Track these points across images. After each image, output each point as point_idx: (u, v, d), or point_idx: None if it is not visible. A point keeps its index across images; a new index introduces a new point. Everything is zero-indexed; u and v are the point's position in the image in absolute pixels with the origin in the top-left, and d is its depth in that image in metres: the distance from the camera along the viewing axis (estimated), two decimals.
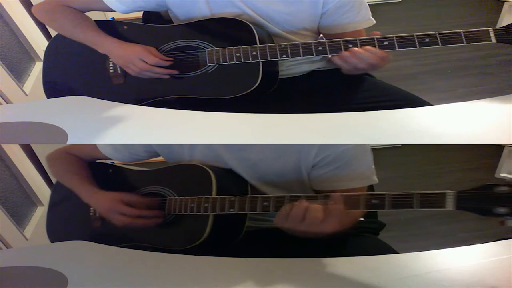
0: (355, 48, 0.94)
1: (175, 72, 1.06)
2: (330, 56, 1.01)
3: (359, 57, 0.94)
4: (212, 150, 0.98)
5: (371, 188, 1.04)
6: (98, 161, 1.15)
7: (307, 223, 0.79)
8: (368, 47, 0.94)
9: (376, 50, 0.93)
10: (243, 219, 0.96)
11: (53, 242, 1.16)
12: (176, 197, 0.97)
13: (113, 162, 1.15)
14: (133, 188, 1.05)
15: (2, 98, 1.69)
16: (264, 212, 0.87)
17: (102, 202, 1.02)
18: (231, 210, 0.89)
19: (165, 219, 0.98)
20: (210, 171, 0.93)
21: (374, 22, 1.08)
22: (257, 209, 0.87)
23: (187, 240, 0.93)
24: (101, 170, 1.13)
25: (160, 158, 1.10)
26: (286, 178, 0.97)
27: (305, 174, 0.96)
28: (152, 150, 1.07)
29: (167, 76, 1.07)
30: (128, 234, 1.02)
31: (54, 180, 1.23)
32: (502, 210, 0.67)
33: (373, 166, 0.98)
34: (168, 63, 1.06)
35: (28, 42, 1.92)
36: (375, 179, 0.97)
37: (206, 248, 0.93)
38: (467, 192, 0.70)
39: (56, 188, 1.20)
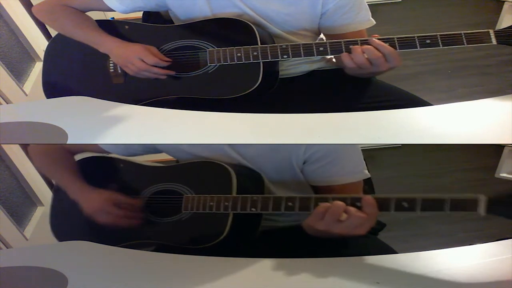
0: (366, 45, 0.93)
1: (172, 72, 1.06)
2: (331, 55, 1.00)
3: (366, 51, 0.93)
4: (212, 146, 0.98)
5: (368, 183, 1.05)
6: (110, 155, 1.12)
7: (345, 225, 0.78)
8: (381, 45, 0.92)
9: (383, 47, 0.92)
10: (258, 218, 0.95)
11: (58, 237, 1.14)
12: (194, 195, 0.96)
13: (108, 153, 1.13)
14: (147, 184, 1.03)
15: (2, 98, 1.69)
16: (287, 212, 0.86)
17: (92, 201, 1.02)
18: (253, 209, 0.88)
19: (181, 217, 0.97)
20: (230, 169, 0.92)
21: (374, 22, 1.08)
22: (281, 209, 0.86)
23: (204, 239, 0.93)
24: (111, 164, 1.11)
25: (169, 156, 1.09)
26: (283, 174, 0.98)
27: (298, 170, 0.97)
28: (147, 145, 1.06)
29: (165, 77, 1.07)
30: (141, 232, 1.01)
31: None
32: None
33: (363, 160, 0.99)
34: (166, 63, 1.05)
35: (28, 42, 1.92)
36: (367, 173, 0.98)
37: (221, 248, 0.92)
38: (499, 198, 0.70)
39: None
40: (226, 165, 0.93)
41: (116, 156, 1.12)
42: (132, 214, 1.00)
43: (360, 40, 0.95)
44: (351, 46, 0.95)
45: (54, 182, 1.21)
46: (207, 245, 0.92)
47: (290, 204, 0.85)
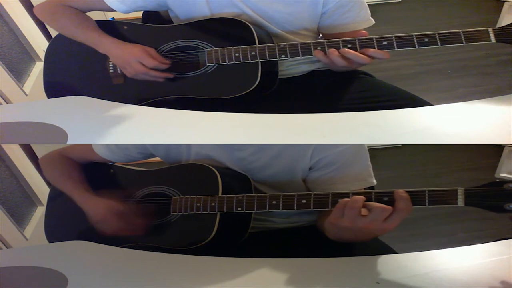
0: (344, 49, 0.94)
1: (170, 75, 1.06)
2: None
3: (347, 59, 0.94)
4: (208, 150, 0.98)
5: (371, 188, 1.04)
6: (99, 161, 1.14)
7: (370, 218, 0.75)
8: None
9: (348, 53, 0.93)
10: (248, 218, 0.96)
11: (51, 241, 1.16)
12: (181, 196, 0.97)
13: (114, 163, 1.15)
14: (136, 188, 1.04)
15: (2, 98, 1.69)
16: (272, 210, 0.86)
17: (94, 211, 1.03)
18: (239, 209, 0.89)
19: (170, 219, 0.98)
20: (216, 171, 0.93)
21: (373, 22, 1.08)
22: (266, 207, 0.87)
23: (194, 240, 0.93)
24: (102, 170, 1.12)
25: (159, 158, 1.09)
26: (279, 179, 0.97)
27: (299, 176, 0.97)
28: (146, 151, 1.07)
29: (162, 79, 1.07)
30: (132, 234, 1.02)
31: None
32: None
33: (371, 168, 0.97)
34: (165, 66, 1.05)
35: (28, 42, 1.92)
36: (372, 181, 0.96)
37: (211, 248, 0.92)
38: (476, 189, 0.72)
39: (54, 188, 1.20)
40: (211, 167, 0.94)
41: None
42: (133, 225, 1.00)
43: (358, 40, 0.94)
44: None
45: (50, 188, 1.23)
46: (196, 246, 0.92)
47: (274, 202, 0.86)
